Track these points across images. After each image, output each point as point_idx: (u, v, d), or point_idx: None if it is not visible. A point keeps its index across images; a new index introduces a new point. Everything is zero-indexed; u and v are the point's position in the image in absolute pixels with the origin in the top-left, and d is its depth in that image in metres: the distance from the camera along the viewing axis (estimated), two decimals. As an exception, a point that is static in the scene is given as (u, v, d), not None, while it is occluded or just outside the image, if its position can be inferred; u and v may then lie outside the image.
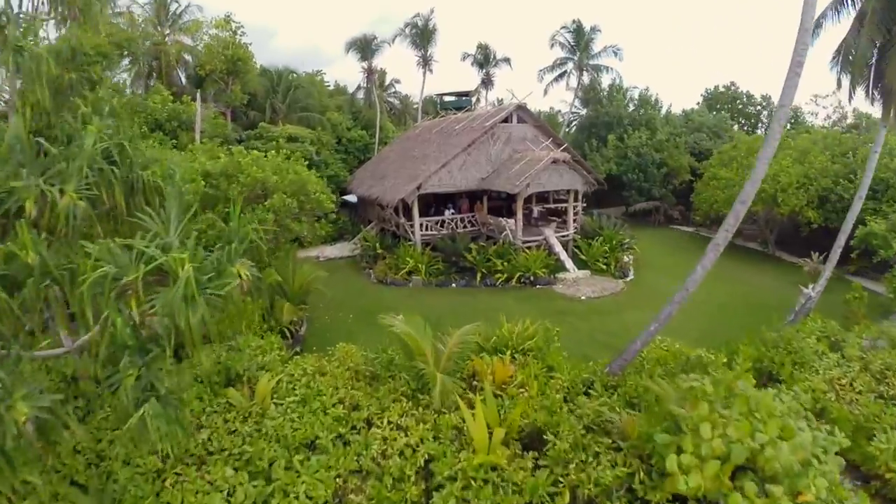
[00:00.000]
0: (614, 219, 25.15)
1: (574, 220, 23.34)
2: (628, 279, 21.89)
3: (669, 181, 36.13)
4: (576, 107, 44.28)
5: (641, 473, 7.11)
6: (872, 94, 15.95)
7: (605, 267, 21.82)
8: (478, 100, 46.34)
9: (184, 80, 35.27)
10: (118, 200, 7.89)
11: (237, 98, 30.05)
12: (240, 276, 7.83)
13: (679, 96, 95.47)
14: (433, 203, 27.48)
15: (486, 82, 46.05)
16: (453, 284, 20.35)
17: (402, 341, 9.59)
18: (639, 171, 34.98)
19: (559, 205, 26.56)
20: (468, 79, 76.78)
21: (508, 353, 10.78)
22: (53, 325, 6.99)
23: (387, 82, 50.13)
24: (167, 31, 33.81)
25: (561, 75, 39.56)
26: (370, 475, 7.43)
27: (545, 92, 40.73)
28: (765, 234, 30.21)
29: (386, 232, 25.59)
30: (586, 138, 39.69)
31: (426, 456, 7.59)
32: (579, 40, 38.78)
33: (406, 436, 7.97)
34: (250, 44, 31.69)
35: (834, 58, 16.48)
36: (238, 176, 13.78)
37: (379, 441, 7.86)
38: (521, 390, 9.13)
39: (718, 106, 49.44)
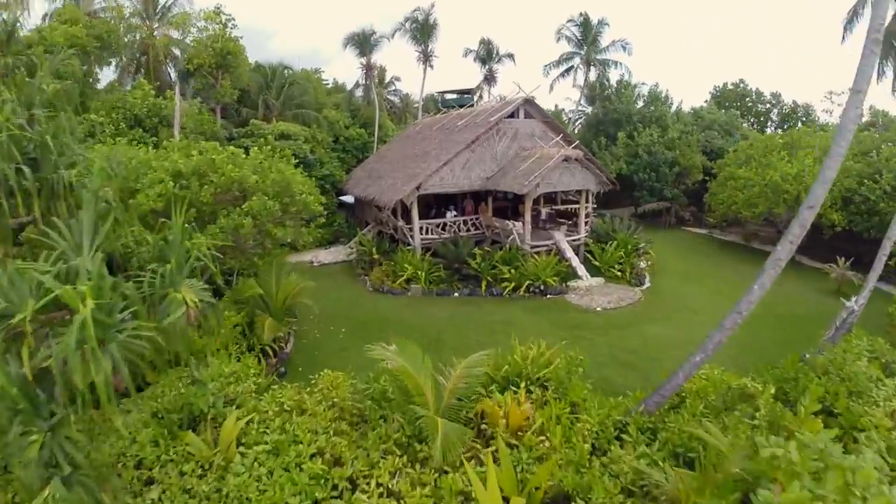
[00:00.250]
0: (627, 221, 23.46)
1: (585, 223, 21.66)
2: (645, 287, 20.23)
3: (682, 181, 34.45)
4: (581, 104, 42.60)
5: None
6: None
7: (619, 274, 20.15)
8: (480, 97, 44.63)
9: (173, 75, 33.71)
10: (35, 209, 6.23)
11: (226, 93, 28.43)
12: (189, 302, 6.19)
13: (685, 94, 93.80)
14: (434, 204, 25.82)
15: (489, 79, 44.42)
16: (455, 294, 18.69)
17: (396, 377, 7.94)
18: (650, 171, 33.30)
19: (568, 206, 24.90)
20: (470, 76, 75.41)
21: (523, 385, 9.13)
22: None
23: (387, 80, 48.49)
24: (156, 25, 32.19)
25: (567, 70, 37.94)
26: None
27: (551, 88, 39.18)
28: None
29: (384, 235, 23.94)
30: (594, 136, 38.01)
31: (425, 535, 5.95)
32: (586, 34, 37.15)
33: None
34: (241, 37, 30.21)
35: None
36: (210, 175, 12.13)
37: (365, 512, 6.22)
38: (541, 438, 7.47)
39: (727, 103, 47.84)
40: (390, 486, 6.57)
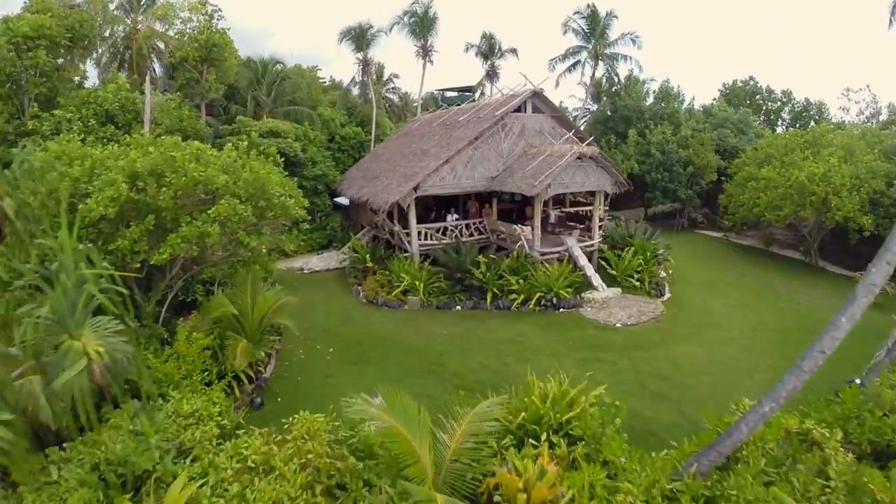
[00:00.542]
0: (643, 224, 21.55)
1: (599, 227, 19.77)
2: (665, 298, 18.34)
3: (696, 181, 32.55)
4: (587, 102, 40.74)
5: None
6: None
7: (637, 284, 18.25)
8: (482, 93, 42.77)
9: (158, 70, 31.90)
10: None
11: (211, 88, 26.53)
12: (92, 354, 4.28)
13: (693, 91, 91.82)
14: (434, 207, 23.94)
15: (491, 75, 42.55)
16: (458, 307, 16.78)
17: (387, 435, 6.05)
18: (663, 170, 31.39)
19: (578, 208, 23.02)
20: (471, 73, 73.23)
21: (545, 437, 7.26)
22: None
23: (385, 77, 46.65)
24: (140, 18, 30.35)
25: (574, 65, 36.01)
26: None
27: (557, 83, 37.24)
28: (808, 241, 26.71)
29: (379, 240, 22.05)
30: (602, 134, 36.11)
31: None
32: (594, 27, 35.23)
33: None
34: (229, 28, 28.35)
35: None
36: (167, 176, 10.25)
37: None
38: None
39: (736, 101, 46.03)
40: None
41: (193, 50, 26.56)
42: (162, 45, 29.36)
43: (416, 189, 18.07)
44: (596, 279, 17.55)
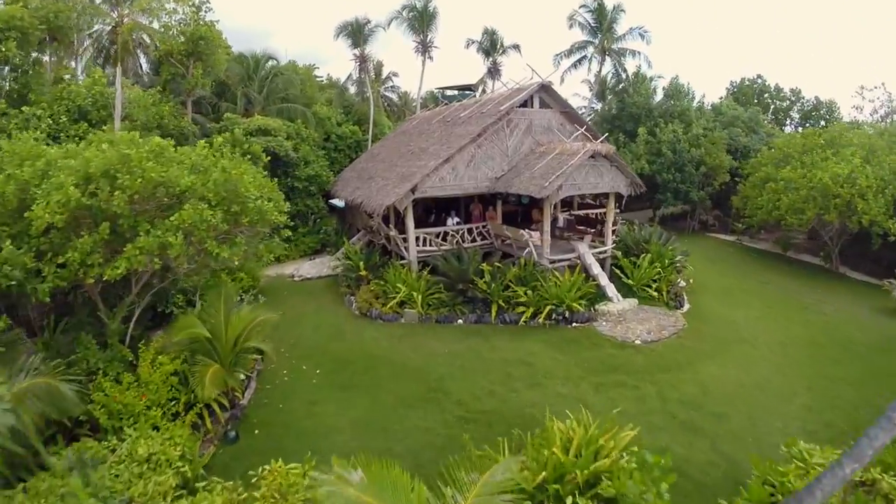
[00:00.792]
0: (658, 229, 20.02)
1: (613, 232, 18.26)
2: (685, 310, 16.84)
3: (709, 182, 31.07)
4: (592, 100, 39.22)
5: None
6: None
7: (655, 294, 16.75)
8: (483, 91, 41.28)
9: (145, 65, 30.45)
10: None
11: (197, 83, 25.02)
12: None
13: (699, 89, 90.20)
14: (434, 209, 22.44)
15: (493, 72, 40.97)
16: (460, 321, 15.26)
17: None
18: (675, 171, 29.89)
19: (588, 211, 21.50)
20: (472, 71, 71.50)
21: (570, 502, 5.77)
22: None
23: (384, 75, 45.13)
24: (126, 11, 28.86)
25: (580, 60, 34.49)
26: None
27: (562, 80, 35.71)
28: (828, 246, 25.28)
29: (374, 246, 20.54)
30: (609, 132, 34.59)
31: None
32: (601, 21, 33.76)
33: None
34: (217, 21, 26.86)
35: None
36: (118, 177, 8.74)
37: None
38: None
39: (744, 99, 44.64)
40: None
41: (178, 43, 25.11)
42: (147, 39, 27.93)
43: (413, 190, 16.57)
44: (611, 289, 16.04)
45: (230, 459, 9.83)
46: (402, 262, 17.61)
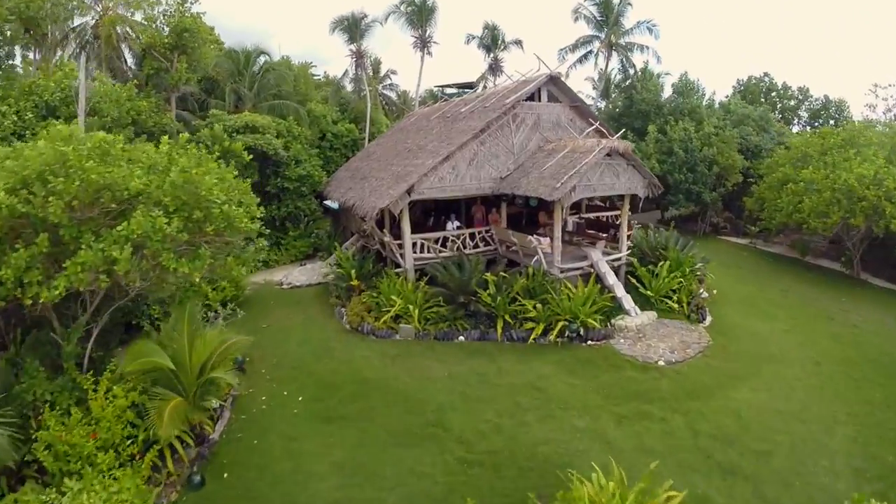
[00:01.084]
0: (675, 234, 18.50)
1: (627, 237, 16.76)
2: (707, 323, 15.35)
3: (721, 183, 29.60)
4: (597, 98, 37.76)
5: None
6: None
7: (675, 306, 15.25)
8: (484, 87, 39.82)
9: (130, 60, 28.92)
10: None
11: (182, 77, 23.52)
12: None
13: (706, 86, 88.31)
14: (433, 212, 20.95)
15: (494, 68, 39.52)
16: (461, 337, 13.71)
17: None
18: (686, 171, 28.40)
19: (599, 214, 20.02)
20: (472, 68, 69.75)
21: None
22: None
23: (382, 73, 43.66)
24: (110, 5, 27.41)
25: (586, 55, 33.05)
26: None
27: (566, 76, 34.20)
28: (849, 251, 23.81)
29: (369, 251, 19.03)
30: (615, 130, 33.11)
31: None
32: (607, 14, 32.35)
33: None
34: (203, 13, 25.37)
35: None
36: (50, 180, 7.24)
37: None
38: None
39: (751, 97, 43.16)
40: None
41: (162, 36, 23.66)
42: (131, 32, 26.46)
43: (409, 192, 15.05)
44: (627, 301, 14.53)
45: (192, 512, 8.36)
46: (398, 270, 16.09)
